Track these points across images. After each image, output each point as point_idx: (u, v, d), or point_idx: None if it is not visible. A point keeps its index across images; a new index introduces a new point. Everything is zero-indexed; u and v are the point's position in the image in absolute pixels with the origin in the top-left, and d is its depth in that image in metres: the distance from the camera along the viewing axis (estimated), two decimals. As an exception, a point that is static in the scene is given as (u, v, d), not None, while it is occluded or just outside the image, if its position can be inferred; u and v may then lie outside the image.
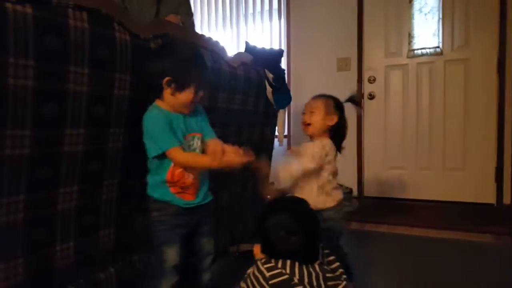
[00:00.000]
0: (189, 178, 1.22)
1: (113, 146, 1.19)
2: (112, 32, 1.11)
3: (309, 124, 1.66)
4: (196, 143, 1.26)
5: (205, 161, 1.20)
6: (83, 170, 1.11)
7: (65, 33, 0.96)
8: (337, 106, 1.72)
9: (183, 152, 1.18)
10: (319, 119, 1.65)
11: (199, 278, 1.32)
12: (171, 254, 1.21)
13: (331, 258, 1.18)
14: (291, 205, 1.18)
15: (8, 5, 0.83)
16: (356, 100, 1.82)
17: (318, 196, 1.59)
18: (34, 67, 0.90)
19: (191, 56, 1.25)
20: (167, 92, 1.20)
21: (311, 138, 1.69)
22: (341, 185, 3.31)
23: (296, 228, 1.09)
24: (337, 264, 1.17)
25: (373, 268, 1.92)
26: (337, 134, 1.72)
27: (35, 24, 0.88)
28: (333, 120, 1.68)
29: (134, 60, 1.18)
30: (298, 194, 1.57)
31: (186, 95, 1.20)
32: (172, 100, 1.21)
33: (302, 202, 1.20)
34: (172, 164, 1.19)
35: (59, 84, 0.97)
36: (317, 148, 1.60)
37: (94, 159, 1.14)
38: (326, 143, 1.65)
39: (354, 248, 2.11)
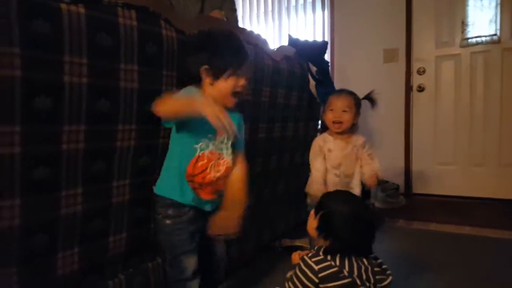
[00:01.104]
0: (211, 174, 1.09)
1: (165, 142, 1.21)
2: (159, 30, 1.13)
3: (341, 122, 1.65)
4: (227, 145, 1.16)
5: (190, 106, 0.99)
6: (135, 165, 1.15)
7: (115, 31, 0.99)
8: (360, 103, 1.75)
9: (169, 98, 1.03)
10: (351, 118, 1.67)
11: (214, 276, 1.28)
12: (191, 263, 1.14)
13: (375, 255, 1.16)
14: (357, 198, 1.18)
15: (63, 5, 0.87)
16: (373, 98, 1.82)
17: None
18: (88, 65, 0.94)
19: (226, 40, 1.15)
20: (206, 84, 1.13)
21: (334, 134, 1.69)
22: (386, 181, 3.27)
23: (367, 216, 1.10)
24: (380, 260, 1.16)
25: (421, 268, 1.85)
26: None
27: (87, 23, 0.92)
28: (357, 118, 1.72)
29: (180, 57, 1.21)
30: None
31: (225, 84, 1.11)
32: (212, 91, 1.12)
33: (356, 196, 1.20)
34: (197, 154, 1.09)
35: (111, 81, 1.01)
36: None
37: (144, 154, 1.17)
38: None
39: (401, 247, 2.05)
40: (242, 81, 1.14)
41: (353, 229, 1.09)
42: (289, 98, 2.02)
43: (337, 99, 1.69)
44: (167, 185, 1.13)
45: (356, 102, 1.72)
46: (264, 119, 1.81)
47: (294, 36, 2.39)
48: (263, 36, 1.83)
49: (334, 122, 1.66)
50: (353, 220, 1.09)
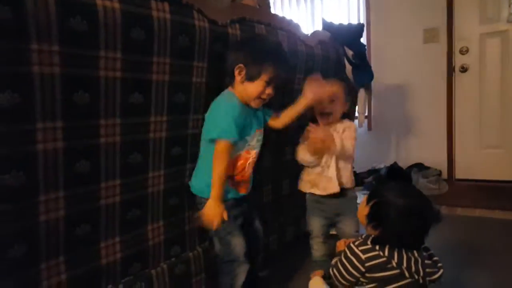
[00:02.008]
0: (249, 170, 1.25)
1: (193, 132, 1.23)
2: (192, 21, 1.13)
3: (329, 114, 1.53)
4: (261, 139, 1.29)
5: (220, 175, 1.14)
6: (168, 155, 1.16)
7: (149, 25, 1.00)
8: (350, 91, 1.62)
9: (228, 154, 1.14)
10: (340, 107, 1.55)
11: (255, 262, 1.32)
12: (239, 243, 1.21)
13: (425, 245, 1.12)
14: (416, 192, 1.12)
15: (98, 1, 0.88)
16: (369, 87, 1.64)
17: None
18: (121, 59, 0.95)
19: (270, 48, 1.23)
20: (237, 80, 1.19)
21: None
22: (429, 167, 3.15)
23: (426, 212, 1.05)
24: (431, 252, 1.11)
25: (467, 256, 1.78)
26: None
27: (122, 18, 0.93)
28: (346, 106, 1.59)
29: (211, 47, 1.20)
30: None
31: (255, 87, 1.18)
32: (241, 90, 1.19)
33: (417, 189, 1.16)
34: (236, 155, 1.19)
35: (143, 74, 1.03)
36: None
37: (177, 145, 1.19)
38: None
39: (444, 235, 1.97)
40: (269, 90, 1.20)
41: (406, 223, 1.04)
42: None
43: None
44: (206, 188, 1.18)
45: (344, 90, 1.56)
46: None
47: (328, 19, 2.33)
48: (295, 21, 1.79)
49: (322, 114, 1.54)
50: (407, 214, 1.04)
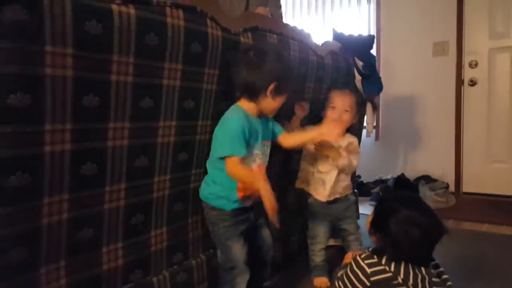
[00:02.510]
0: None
1: (201, 138, 1.24)
2: (205, 28, 1.13)
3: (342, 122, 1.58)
4: (268, 151, 1.29)
5: (252, 183, 1.13)
6: (175, 160, 1.16)
7: (163, 31, 1.00)
8: (360, 103, 1.68)
9: (240, 165, 1.13)
10: (351, 118, 1.61)
11: (261, 271, 1.31)
12: (239, 250, 1.20)
13: (435, 262, 1.10)
14: (423, 205, 1.11)
15: (114, 6, 0.89)
16: (375, 102, 1.81)
17: None
18: (134, 64, 0.95)
19: (289, 60, 1.27)
20: (264, 95, 1.18)
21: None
22: (436, 180, 3.13)
23: (431, 230, 1.03)
24: (441, 269, 1.09)
25: (471, 272, 1.75)
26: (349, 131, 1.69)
27: (137, 24, 0.93)
28: (356, 118, 1.64)
29: (223, 55, 1.20)
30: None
31: (281, 100, 1.22)
32: (267, 104, 1.20)
33: (424, 202, 1.14)
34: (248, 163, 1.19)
35: (154, 79, 1.03)
36: None
37: (184, 150, 1.19)
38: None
39: (451, 249, 1.95)
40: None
41: (406, 234, 1.02)
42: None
43: (340, 97, 1.61)
44: (214, 196, 1.22)
45: (358, 102, 1.64)
46: (307, 116, 1.77)
47: (339, 30, 2.33)
48: (307, 30, 1.79)
49: (334, 121, 1.58)
50: (407, 224, 1.02)
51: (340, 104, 1.60)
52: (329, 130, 1.30)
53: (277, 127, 1.35)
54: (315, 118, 1.69)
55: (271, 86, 1.17)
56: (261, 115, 1.25)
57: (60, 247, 0.91)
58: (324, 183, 1.60)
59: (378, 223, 1.10)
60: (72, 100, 0.86)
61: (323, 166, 1.60)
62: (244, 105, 1.22)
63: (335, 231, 1.76)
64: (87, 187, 0.94)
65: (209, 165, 1.25)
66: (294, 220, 1.83)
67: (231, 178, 1.16)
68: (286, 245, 1.79)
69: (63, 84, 0.83)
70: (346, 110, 1.59)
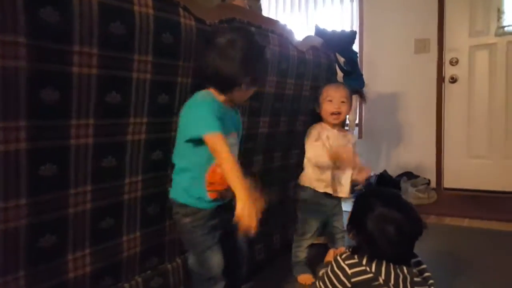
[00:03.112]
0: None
1: (175, 135, 1.15)
2: (177, 18, 1.07)
3: (339, 113, 1.62)
4: (237, 145, 1.17)
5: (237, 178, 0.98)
6: (147, 160, 1.09)
7: (129, 19, 0.93)
8: (351, 96, 1.71)
9: (227, 146, 0.99)
10: (348, 109, 1.65)
11: (236, 274, 1.24)
12: (217, 259, 1.11)
13: (418, 259, 1.07)
14: (401, 201, 1.08)
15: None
16: (364, 94, 1.83)
17: None
18: (98, 55, 0.88)
19: (263, 51, 1.17)
20: (239, 87, 1.08)
21: (330, 125, 1.64)
22: (418, 176, 3.14)
23: (406, 226, 1.00)
24: (423, 266, 1.07)
25: (456, 266, 1.74)
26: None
27: (100, 11, 0.86)
28: (350, 109, 1.69)
29: (198, 47, 1.14)
30: None
31: (253, 89, 1.16)
32: (240, 95, 1.12)
33: (403, 198, 1.11)
34: (215, 162, 1.04)
35: (122, 72, 0.95)
36: None
37: (158, 149, 1.12)
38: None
39: (432, 244, 1.93)
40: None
41: (381, 231, 1.00)
42: (316, 90, 1.92)
43: (336, 90, 1.65)
44: (184, 193, 1.09)
45: (351, 94, 1.68)
46: (287, 112, 1.73)
47: (322, 26, 2.29)
48: (289, 26, 1.74)
49: (332, 113, 1.61)
50: (382, 221, 1.00)
51: (336, 96, 1.62)
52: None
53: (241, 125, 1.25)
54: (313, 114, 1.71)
55: (247, 79, 1.07)
56: (229, 105, 1.14)
57: (18, 256, 0.83)
58: (343, 185, 1.63)
59: (355, 221, 1.08)
60: (27, 95, 0.78)
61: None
62: (214, 92, 1.10)
63: (323, 227, 1.74)
64: (47, 190, 0.86)
65: (175, 158, 1.12)
66: (277, 218, 1.78)
67: (207, 161, 1.02)
68: (269, 244, 1.74)
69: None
70: (342, 102, 1.62)
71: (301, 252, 1.66)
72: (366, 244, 1.02)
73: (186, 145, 1.05)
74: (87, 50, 0.85)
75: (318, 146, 1.59)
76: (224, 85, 1.09)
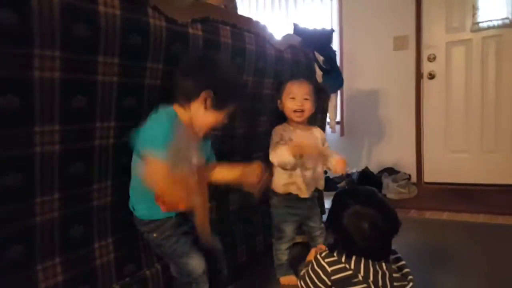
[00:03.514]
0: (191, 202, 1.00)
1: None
2: (146, 18, 1.04)
3: (302, 111, 1.57)
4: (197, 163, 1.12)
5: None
6: (116, 165, 1.06)
7: (94, 21, 0.90)
8: (316, 91, 1.66)
9: (165, 170, 0.92)
10: (311, 106, 1.60)
11: (218, 279, 1.22)
12: (197, 264, 1.08)
13: (397, 255, 1.08)
14: (376, 198, 1.08)
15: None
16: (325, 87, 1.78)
17: None
18: (61, 58, 0.85)
19: (235, 76, 1.14)
20: (197, 104, 1.04)
21: (294, 124, 1.60)
22: (398, 171, 3.17)
23: (381, 223, 1.00)
24: (402, 263, 1.07)
25: (435, 259, 1.75)
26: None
27: (61, 12, 0.83)
28: (314, 107, 1.63)
29: (169, 48, 1.11)
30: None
31: (216, 117, 1.07)
32: (199, 116, 1.05)
33: (380, 195, 1.11)
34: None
35: (87, 75, 0.92)
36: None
37: (126, 153, 1.07)
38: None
39: (413, 238, 1.95)
40: (225, 120, 1.12)
41: (356, 228, 1.00)
42: (279, 86, 1.90)
43: (298, 86, 1.59)
44: (144, 209, 1.07)
45: (314, 90, 1.63)
46: (266, 112, 1.71)
47: (301, 25, 2.28)
48: (268, 24, 1.72)
49: (295, 111, 1.56)
50: (356, 219, 1.01)
51: (299, 93, 1.57)
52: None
53: (212, 153, 1.21)
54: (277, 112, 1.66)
55: (205, 94, 1.03)
56: (198, 130, 1.09)
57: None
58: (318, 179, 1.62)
59: (332, 218, 1.09)
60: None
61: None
62: (178, 110, 1.06)
63: (300, 228, 1.74)
64: (11, 200, 0.83)
65: (132, 174, 1.07)
66: (259, 219, 1.76)
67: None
68: (252, 245, 1.72)
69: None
70: (305, 99, 1.57)
71: (281, 255, 1.63)
72: (343, 241, 1.03)
73: (136, 158, 1.03)
74: (49, 53, 0.82)
75: (281, 146, 1.50)
76: (181, 94, 1.06)
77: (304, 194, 1.57)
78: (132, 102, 1.06)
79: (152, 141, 0.94)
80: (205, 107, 1.04)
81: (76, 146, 0.94)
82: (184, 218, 1.10)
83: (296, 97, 1.56)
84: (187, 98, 1.05)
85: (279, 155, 1.47)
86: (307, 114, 1.58)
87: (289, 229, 1.62)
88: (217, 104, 1.05)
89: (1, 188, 0.80)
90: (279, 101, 1.63)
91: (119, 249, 1.11)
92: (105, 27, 0.92)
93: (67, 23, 0.84)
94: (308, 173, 1.57)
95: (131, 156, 1.07)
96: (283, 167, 1.52)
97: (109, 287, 1.08)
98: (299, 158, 1.48)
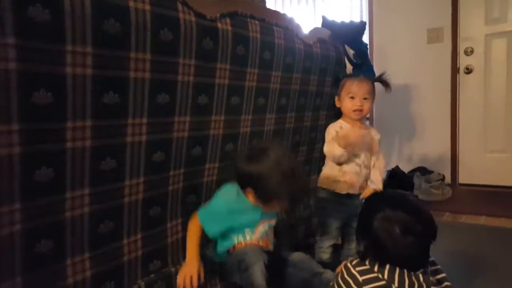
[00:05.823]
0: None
1: (178, 136, 1.14)
2: (176, 13, 1.03)
3: (361, 110, 1.56)
4: (265, 230, 1.25)
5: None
6: (149, 161, 1.06)
7: (125, 16, 0.89)
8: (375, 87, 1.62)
9: (198, 230, 1.19)
10: (370, 105, 1.59)
11: None
12: (258, 274, 1.10)
13: (437, 267, 1.01)
14: (408, 201, 1.03)
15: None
16: (386, 80, 1.66)
17: None
18: (92, 54, 0.85)
19: (280, 172, 1.11)
20: (249, 193, 1.18)
21: (351, 122, 1.59)
22: (432, 171, 3.06)
23: (415, 227, 0.94)
24: (443, 275, 1.00)
25: (473, 269, 1.68)
26: None
27: (92, 9, 0.82)
28: (373, 105, 1.62)
29: (199, 43, 1.10)
30: None
31: (268, 207, 1.19)
32: (254, 201, 1.18)
33: (413, 199, 1.07)
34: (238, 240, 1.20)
35: (118, 71, 0.92)
36: None
37: (159, 150, 1.09)
38: None
39: (448, 243, 1.87)
40: (282, 207, 1.23)
41: (388, 235, 0.94)
42: (323, 84, 1.87)
43: (358, 85, 1.55)
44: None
45: (374, 87, 1.60)
46: (293, 109, 1.68)
47: (329, 18, 2.22)
48: (296, 19, 1.68)
49: (354, 111, 1.55)
50: (387, 224, 0.95)
51: (359, 93, 1.54)
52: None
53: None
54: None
55: (249, 189, 1.16)
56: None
57: (14, 263, 0.80)
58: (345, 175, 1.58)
59: (361, 224, 1.04)
60: (19, 98, 0.75)
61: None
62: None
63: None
64: (42, 194, 0.83)
65: None
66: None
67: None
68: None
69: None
70: (365, 98, 1.54)
71: (324, 253, 1.60)
72: (374, 248, 0.97)
73: None
74: (80, 49, 0.82)
75: (332, 141, 1.52)
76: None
77: (355, 191, 1.54)
78: (165, 99, 1.05)
79: (205, 211, 1.21)
80: (255, 199, 1.17)
81: (108, 142, 0.94)
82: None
83: (355, 97, 1.54)
84: (239, 183, 1.19)
85: (331, 150, 1.49)
86: (365, 113, 1.58)
87: (334, 225, 1.59)
88: (261, 199, 1.16)
89: (32, 183, 0.81)
90: (336, 98, 1.61)
91: (147, 246, 1.11)
92: (136, 23, 0.91)
93: (98, 19, 0.84)
94: (362, 170, 1.56)
95: (163, 153, 1.10)
96: (338, 161, 1.51)
97: (135, 283, 1.08)
98: (349, 149, 1.47)
